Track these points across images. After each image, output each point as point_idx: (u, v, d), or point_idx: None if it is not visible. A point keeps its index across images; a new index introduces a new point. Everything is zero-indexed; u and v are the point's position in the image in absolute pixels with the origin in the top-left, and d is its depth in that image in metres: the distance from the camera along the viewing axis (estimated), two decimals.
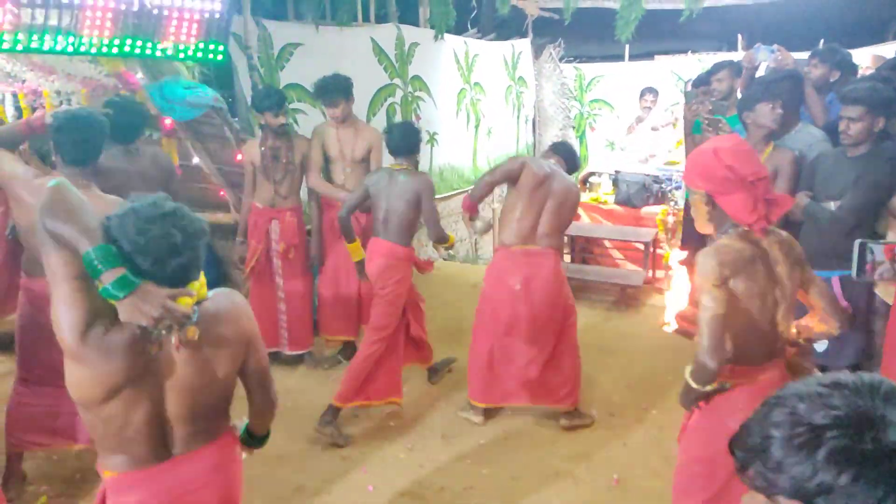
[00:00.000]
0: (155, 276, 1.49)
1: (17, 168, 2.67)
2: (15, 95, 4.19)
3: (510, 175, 3.41)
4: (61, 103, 4.05)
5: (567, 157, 3.65)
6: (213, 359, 1.64)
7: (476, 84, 7.23)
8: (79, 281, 1.47)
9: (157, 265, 1.48)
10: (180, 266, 1.51)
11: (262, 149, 3.92)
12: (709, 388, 2.00)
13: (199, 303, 1.61)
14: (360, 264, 3.67)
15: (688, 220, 4.06)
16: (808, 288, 2.14)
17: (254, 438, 1.96)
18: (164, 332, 1.53)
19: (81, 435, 2.90)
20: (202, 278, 1.66)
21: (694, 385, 2.01)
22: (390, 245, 3.53)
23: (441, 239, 3.62)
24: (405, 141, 3.53)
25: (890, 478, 0.73)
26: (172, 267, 1.50)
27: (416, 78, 6.10)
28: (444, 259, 4.51)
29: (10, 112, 4.31)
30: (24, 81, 4.04)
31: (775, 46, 3.89)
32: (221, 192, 4.39)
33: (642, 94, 6.88)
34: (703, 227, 2.19)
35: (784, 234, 2.14)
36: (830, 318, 2.14)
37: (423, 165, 6.28)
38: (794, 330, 2.18)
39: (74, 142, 2.61)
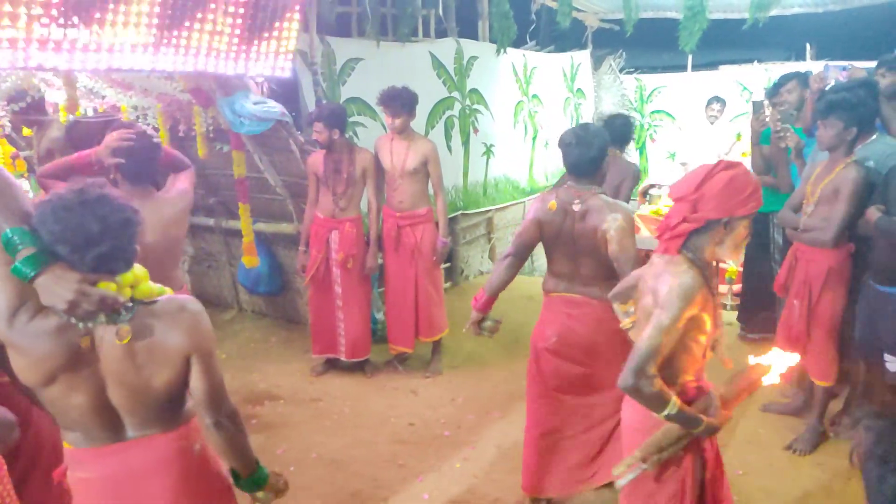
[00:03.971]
0: (75, 267, 1.46)
1: None
2: (95, 110, 4.44)
3: (525, 238, 2.74)
4: (137, 118, 4.28)
5: None
6: (147, 365, 1.56)
7: (534, 96, 7.23)
8: (5, 267, 1.45)
9: (75, 254, 1.45)
10: (100, 256, 1.47)
11: (326, 161, 4.04)
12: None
13: (140, 302, 1.57)
14: None
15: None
16: None
17: (242, 480, 1.75)
18: (89, 323, 1.50)
19: None
20: (141, 275, 1.59)
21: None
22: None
23: None
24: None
25: None
26: (91, 257, 1.46)
27: (474, 91, 6.15)
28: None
29: None
30: (104, 98, 4.28)
31: (847, 64, 3.78)
32: None
33: (709, 103, 6.76)
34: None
35: None
36: None
37: (479, 177, 6.32)
38: None
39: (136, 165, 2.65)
